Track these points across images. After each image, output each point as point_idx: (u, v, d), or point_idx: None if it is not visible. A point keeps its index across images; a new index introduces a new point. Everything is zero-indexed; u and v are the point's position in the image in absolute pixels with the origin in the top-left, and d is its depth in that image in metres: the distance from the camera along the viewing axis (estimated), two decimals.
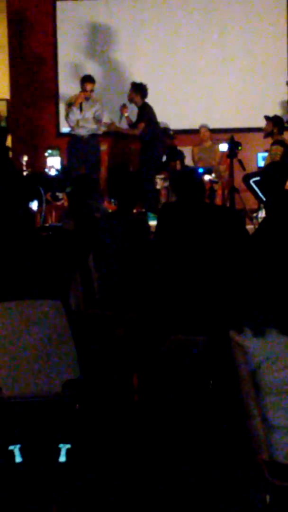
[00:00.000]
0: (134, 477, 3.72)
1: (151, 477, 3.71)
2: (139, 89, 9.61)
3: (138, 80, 9.86)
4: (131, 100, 9.74)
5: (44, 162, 9.28)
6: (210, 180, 9.30)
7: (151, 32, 11.15)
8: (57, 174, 8.89)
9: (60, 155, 9.56)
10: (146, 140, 9.60)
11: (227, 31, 11.07)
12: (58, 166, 9.15)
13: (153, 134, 9.59)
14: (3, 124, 10.84)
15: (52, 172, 8.94)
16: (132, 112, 9.94)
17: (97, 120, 9.54)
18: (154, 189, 9.29)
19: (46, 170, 9.13)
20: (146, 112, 9.59)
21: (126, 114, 9.82)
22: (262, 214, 9.01)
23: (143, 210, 8.79)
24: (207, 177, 9.07)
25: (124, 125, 9.99)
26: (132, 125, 9.76)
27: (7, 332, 3.51)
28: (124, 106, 9.85)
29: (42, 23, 11.35)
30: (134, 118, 9.85)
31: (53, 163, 9.17)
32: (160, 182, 9.60)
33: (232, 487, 3.50)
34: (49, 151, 9.42)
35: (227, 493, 3.48)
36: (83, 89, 9.42)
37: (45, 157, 9.33)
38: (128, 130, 9.78)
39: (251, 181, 8.87)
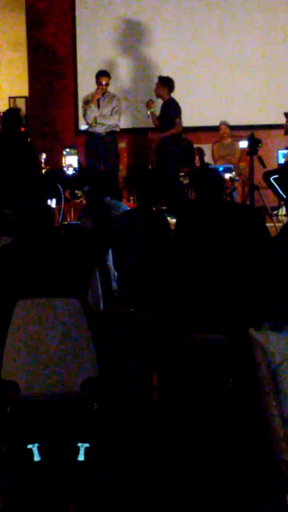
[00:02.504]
0: (153, 476, 3.71)
1: (169, 475, 3.70)
2: (166, 83, 9.48)
3: (157, 75, 9.77)
4: (158, 94, 9.60)
5: (62, 160, 9.28)
6: (231, 178, 9.26)
7: (170, 28, 11.12)
8: (74, 173, 8.88)
9: (78, 154, 9.54)
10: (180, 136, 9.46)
11: (247, 27, 11.02)
12: (76, 165, 9.15)
13: (181, 130, 9.44)
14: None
15: (70, 171, 8.94)
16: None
17: (117, 115, 9.46)
18: (179, 186, 9.13)
19: (64, 168, 9.13)
20: (175, 107, 9.42)
21: (152, 110, 9.67)
22: (282, 211, 8.97)
23: (163, 207, 8.75)
24: (227, 175, 9.03)
25: (149, 120, 9.81)
26: (162, 121, 9.56)
27: (25, 331, 3.51)
28: (151, 102, 9.70)
29: (61, 20, 11.36)
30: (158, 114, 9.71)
31: (71, 161, 9.17)
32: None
33: (251, 487, 3.47)
34: (67, 149, 9.40)
35: (246, 493, 3.46)
36: (99, 84, 9.38)
37: (63, 155, 9.31)
38: (168, 131, 9.52)
39: (271, 179, 8.79)
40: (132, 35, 11.21)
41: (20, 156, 6.90)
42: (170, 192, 8.70)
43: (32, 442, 3.55)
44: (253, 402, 2.95)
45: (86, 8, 11.30)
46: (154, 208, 5.72)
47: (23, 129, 7.52)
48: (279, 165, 9.38)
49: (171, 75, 9.71)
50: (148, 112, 9.62)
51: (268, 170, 8.79)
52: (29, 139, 9.20)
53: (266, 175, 8.85)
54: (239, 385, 3.88)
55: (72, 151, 9.41)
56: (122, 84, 10.63)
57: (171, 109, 9.37)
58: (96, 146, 9.35)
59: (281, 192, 8.18)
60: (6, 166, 6.89)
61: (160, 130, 9.54)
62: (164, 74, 10.03)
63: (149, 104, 9.62)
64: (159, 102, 9.58)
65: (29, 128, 10.16)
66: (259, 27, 11.02)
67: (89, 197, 6.06)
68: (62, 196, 5.56)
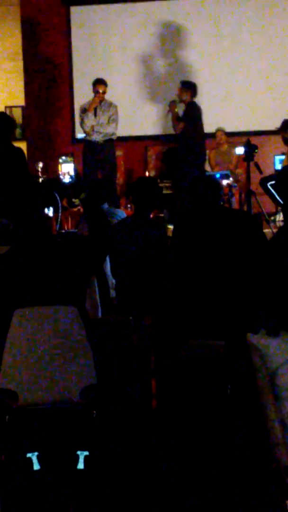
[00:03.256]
0: (153, 483, 3.70)
1: (169, 482, 3.69)
2: (189, 87, 9.48)
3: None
4: (180, 98, 9.57)
5: (59, 168, 9.31)
6: (228, 185, 9.26)
7: (163, 36, 11.15)
8: (70, 181, 8.89)
9: (74, 162, 9.55)
10: (185, 142, 9.45)
11: (242, 34, 11.06)
12: (72, 172, 9.16)
13: (192, 136, 9.43)
14: (19, 131, 10.88)
15: (66, 179, 8.95)
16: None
17: (114, 123, 9.45)
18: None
19: (61, 176, 9.14)
20: (191, 112, 9.41)
21: (176, 110, 9.64)
22: (279, 217, 8.99)
23: (161, 215, 8.76)
24: (225, 182, 9.04)
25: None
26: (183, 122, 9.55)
27: (23, 339, 3.50)
28: (173, 103, 9.68)
29: (56, 30, 11.40)
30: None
31: (68, 169, 9.18)
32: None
33: (251, 493, 3.47)
34: (63, 157, 9.41)
35: (246, 498, 3.45)
36: (96, 92, 9.40)
37: (60, 163, 9.33)
38: (175, 123, 9.58)
39: (268, 184, 8.82)
40: (127, 43, 11.24)
41: (11, 162, 6.82)
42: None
43: (32, 451, 3.54)
44: (252, 408, 2.95)
45: (81, 18, 11.33)
46: (151, 215, 5.72)
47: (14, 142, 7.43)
48: (276, 171, 9.39)
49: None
50: (170, 113, 9.56)
51: (264, 176, 8.82)
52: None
53: (263, 181, 8.88)
54: (238, 391, 3.87)
55: (69, 159, 9.44)
56: (117, 92, 10.64)
57: (186, 113, 9.37)
58: (94, 154, 9.36)
59: (278, 198, 8.19)
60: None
61: (182, 131, 9.50)
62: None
63: (171, 106, 9.57)
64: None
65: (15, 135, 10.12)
66: (255, 33, 11.05)
67: (86, 205, 6.06)
68: (60, 204, 5.56)
